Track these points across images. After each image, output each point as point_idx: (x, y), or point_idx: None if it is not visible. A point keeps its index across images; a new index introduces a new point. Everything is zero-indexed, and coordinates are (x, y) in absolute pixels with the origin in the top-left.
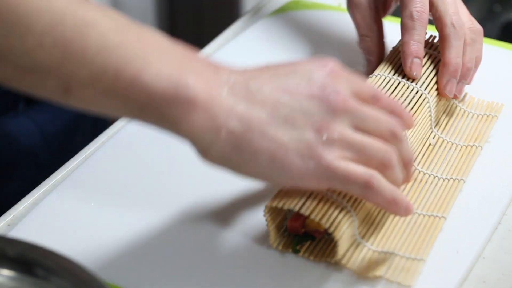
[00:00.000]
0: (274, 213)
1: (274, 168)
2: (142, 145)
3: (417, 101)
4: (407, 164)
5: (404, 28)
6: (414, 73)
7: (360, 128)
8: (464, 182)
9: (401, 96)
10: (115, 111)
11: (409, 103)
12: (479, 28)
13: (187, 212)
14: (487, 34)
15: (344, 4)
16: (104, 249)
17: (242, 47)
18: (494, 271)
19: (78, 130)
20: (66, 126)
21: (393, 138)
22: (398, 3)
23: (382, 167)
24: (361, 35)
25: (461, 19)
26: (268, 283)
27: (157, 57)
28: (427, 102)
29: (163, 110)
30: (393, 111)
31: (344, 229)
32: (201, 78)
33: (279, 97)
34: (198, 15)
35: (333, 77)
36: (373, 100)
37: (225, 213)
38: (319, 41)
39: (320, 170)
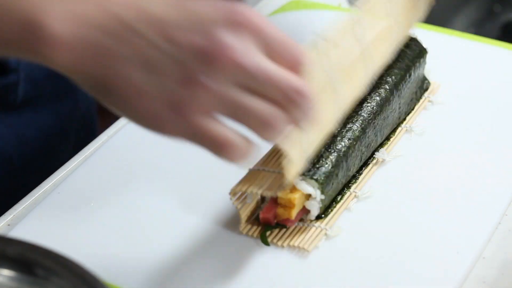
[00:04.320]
0: (243, 200)
1: (128, 110)
2: (142, 145)
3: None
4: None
5: None
6: None
7: (252, 89)
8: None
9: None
10: None
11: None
12: None
13: (187, 212)
14: (487, 34)
15: (344, 4)
16: (104, 249)
17: None
18: (494, 271)
19: (57, 137)
20: (44, 132)
21: (290, 105)
22: None
23: (262, 130)
24: None
25: None
26: (268, 280)
27: None
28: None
29: (26, 48)
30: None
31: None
32: (62, 14)
33: (155, 38)
34: None
35: (234, 29)
36: (290, 69)
37: (228, 212)
38: None
39: (178, 124)
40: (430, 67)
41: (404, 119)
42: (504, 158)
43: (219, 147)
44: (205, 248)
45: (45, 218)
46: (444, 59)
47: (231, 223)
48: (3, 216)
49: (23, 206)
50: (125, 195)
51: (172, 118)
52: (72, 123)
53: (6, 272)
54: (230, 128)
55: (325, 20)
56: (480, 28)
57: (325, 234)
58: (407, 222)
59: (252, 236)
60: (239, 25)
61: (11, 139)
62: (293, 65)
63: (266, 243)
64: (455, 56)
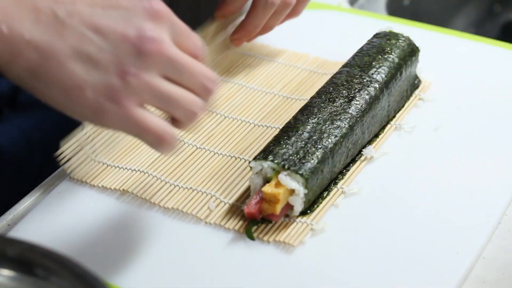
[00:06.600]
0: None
1: (68, 102)
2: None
3: None
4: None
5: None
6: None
7: (173, 78)
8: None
9: None
10: None
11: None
12: None
13: (187, 212)
14: (487, 34)
15: (344, 4)
16: (104, 249)
17: None
18: (494, 271)
19: (64, 137)
20: (52, 133)
21: (204, 93)
22: None
23: (186, 118)
24: None
25: None
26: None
27: None
28: None
29: None
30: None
31: None
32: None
33: (89, 32)
34: (198, 15)
35: (155, 22)
36: (193, 56)
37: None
38: (318, 41)
39: (118, 115)
40: (430, 67)
41: (394, 116)
42: (504, 158)
43: (157, 140)
44: (205, 248)
45: (45, 218)
46: (444, 59)
47: (223, 220)
48: (3, 216)
49: (23, 206)
50: (126, 194)
51: (112, 109)
52: (81, 125)
53: (6, 272)
54: (162, 119)
55: (325, 20)
56: (480, 28)
57: (311, 229)
58: (401, 220)
59: (238, 231)
60: (157, 16)
61: (20, 140)
62: (196, 53)
63: (251, 237)
64: (455, 56)
